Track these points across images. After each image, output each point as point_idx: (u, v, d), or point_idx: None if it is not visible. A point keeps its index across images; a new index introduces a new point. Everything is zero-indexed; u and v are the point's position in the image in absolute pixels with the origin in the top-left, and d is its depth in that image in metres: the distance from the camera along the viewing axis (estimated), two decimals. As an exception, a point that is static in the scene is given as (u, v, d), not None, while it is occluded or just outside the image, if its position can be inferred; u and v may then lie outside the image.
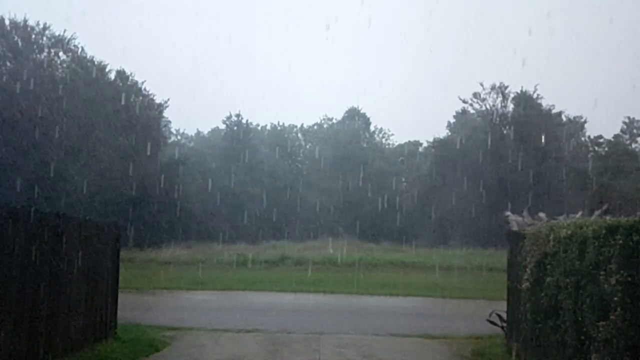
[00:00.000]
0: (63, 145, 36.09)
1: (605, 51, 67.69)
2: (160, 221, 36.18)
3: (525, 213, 11.76)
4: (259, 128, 64.19)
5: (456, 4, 73.34)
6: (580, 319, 6.82)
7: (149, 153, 41.60)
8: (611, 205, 10.10)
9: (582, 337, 6.72)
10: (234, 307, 17.13)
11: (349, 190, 50.25)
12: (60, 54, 42.87)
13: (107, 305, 10.67)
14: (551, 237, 7.91)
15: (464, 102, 50.13)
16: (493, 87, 48.80)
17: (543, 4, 67.36)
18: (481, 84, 49.02)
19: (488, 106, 49.41)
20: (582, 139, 53.32)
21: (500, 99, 49.04)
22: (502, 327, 11.21)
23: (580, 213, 9.94)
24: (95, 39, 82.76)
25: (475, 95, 49.41)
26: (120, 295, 11.52)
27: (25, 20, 41.12)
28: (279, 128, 66.22)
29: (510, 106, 48.86)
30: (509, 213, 12.17)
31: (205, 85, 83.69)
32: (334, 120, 63.86)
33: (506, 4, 75.65)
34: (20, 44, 41.02)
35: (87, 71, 41.48)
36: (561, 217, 10.44)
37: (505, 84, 48.71)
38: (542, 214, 11.09)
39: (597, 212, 9.55)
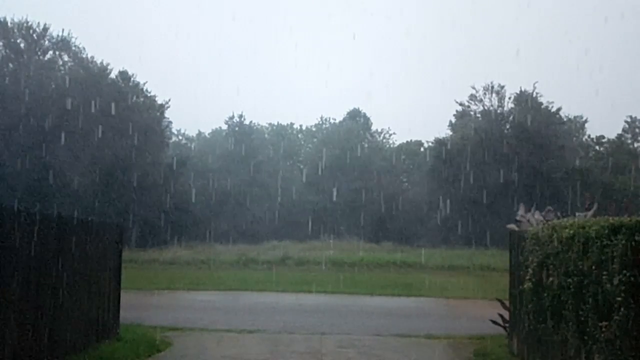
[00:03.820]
0: (65, 146, 36.12)
1: (606, 51, 67.66)
2: (162, 222, 36.18)
3: (520, 212, 11.55)
4: (261, 128, 64.19)
5: (457, 3, 73.34)
6: (582, 319, 6.81)
7: (150, 154, 41.68)
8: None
9: (585, 338, 6.71)
10: (235, 308, 17.13)
11: (350, 190, 50.21)
12: (63, 55, 42.97)
13: (109, 306, 10.69)
14: (554, 237, 7.90)
15: (461, 104, 50.19)
16: (487, 88, 48.75)
17: (545, 3, 67.38)
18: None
19: (485, 106, 49.37)
20: (584, 138, 53.22)
21: (497, 99, 49.01)
22: (505, 327, 11.22)
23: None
24: (97, 40, 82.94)
25: (472, 97, 49.42)
26: (122, 296, 11.54)
27: (27, 22, 41.24)
28: (280, 128, 66.25)
29: (510, 105, 48.80)
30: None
31: (207, 85, 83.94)
32: (335, 121, 63.89)
33: (507, 4, 75.66)
34: (22, 45, 41.13)
35: (88, 72, 41.55)
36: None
37: (502, 84, 48.73)
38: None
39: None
